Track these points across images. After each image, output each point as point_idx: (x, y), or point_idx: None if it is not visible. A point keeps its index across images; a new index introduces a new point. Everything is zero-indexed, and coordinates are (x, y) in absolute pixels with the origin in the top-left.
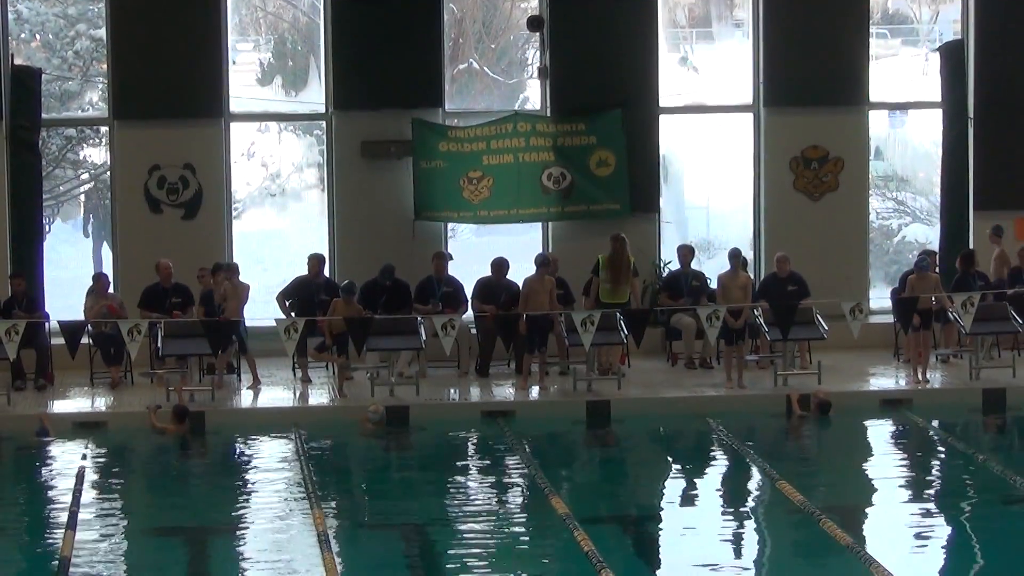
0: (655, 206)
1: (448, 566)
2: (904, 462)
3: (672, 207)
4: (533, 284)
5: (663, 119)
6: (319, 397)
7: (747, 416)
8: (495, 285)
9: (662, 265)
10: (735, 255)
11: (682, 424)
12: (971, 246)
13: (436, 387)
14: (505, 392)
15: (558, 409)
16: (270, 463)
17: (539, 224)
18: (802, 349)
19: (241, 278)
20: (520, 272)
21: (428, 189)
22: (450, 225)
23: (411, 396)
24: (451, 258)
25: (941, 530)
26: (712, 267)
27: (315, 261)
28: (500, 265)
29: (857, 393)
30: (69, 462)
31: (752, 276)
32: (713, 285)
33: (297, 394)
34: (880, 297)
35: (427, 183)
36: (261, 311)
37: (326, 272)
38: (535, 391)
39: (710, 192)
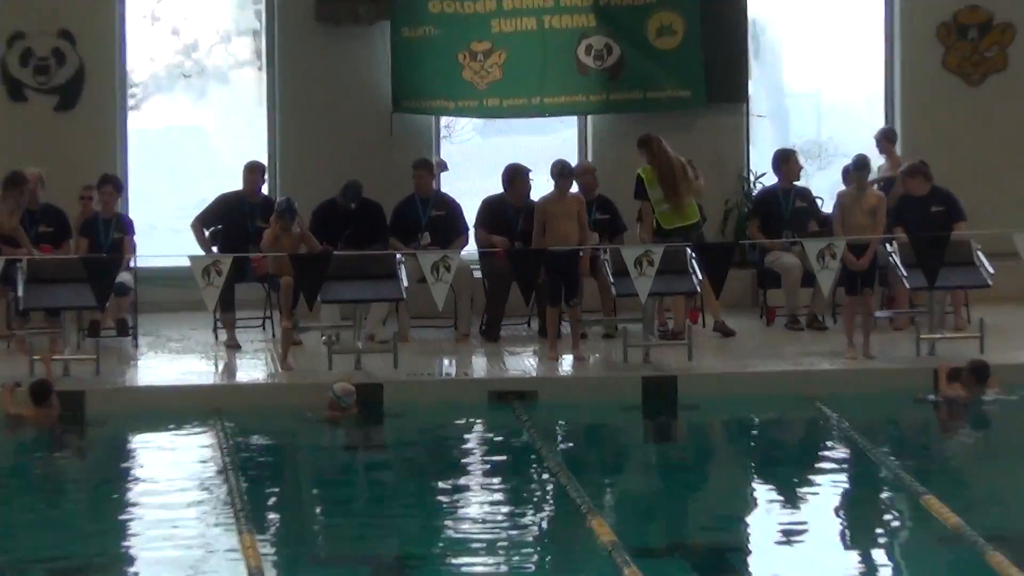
0: (741, 94)
1: None
2: None
3: (767, 95)
4: (549, 206)
5: None
6: (252, 370)
7: (876, 399)
8: (508, 207)
9: (752, 179)
10: (861, 165)
11: (782, 411)
12: None
13: (423, 356)
14: (523, 364)
15: (600, 389)
16: (180, 467)
17: (574, 119)
18: (956, 301)
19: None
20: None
21: (412, 68)
22: (444, 121)
23: (386, 369)
24: (445, 168)
25: None
26: (824, 182)
27: (251, 173)
28: (515, 176)
29: None
30: None
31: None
32: (827, 209)
33: (220, 366)
34: None
35: (411, 59)
36: (168, 243)
37: (264, 189)
38: (567, 362)
39: (821, 75)
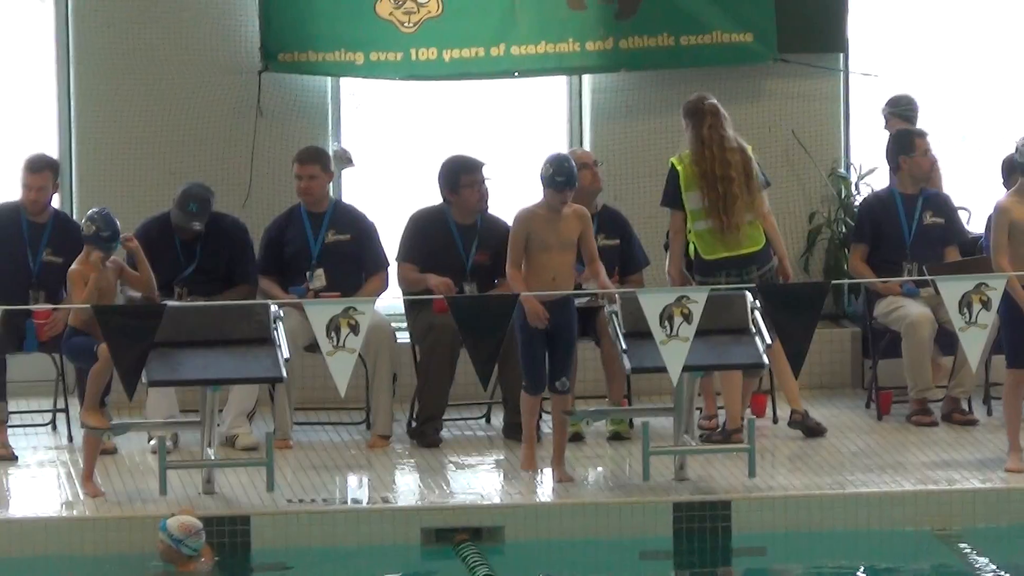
0: (837, 41)
1: None
2: None
3: (875, 49)
4: (537, 226)
5: None
6: (36, 496)
7: None
8: (451, 227)
9: (856, 179)
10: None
11: (901, 557)
12: None
13: (314, 472)
14: (479, 484)
15: (605, 523)
16: None
17: (562, 81)
18: None
19: None
20: (518, 198)
21: (293, 4)
22: (346, 86)
23: (255, 493)
24: (350, 163)
25: None
26: (973, 185)
27: (32, 174)
28: (461, 175)
29: None
30: None
31: None
32: (975, 227)
33: None
34: None
35: None
36: None
37: (55, 200)
38: (545, 482)
39: (960, 14)
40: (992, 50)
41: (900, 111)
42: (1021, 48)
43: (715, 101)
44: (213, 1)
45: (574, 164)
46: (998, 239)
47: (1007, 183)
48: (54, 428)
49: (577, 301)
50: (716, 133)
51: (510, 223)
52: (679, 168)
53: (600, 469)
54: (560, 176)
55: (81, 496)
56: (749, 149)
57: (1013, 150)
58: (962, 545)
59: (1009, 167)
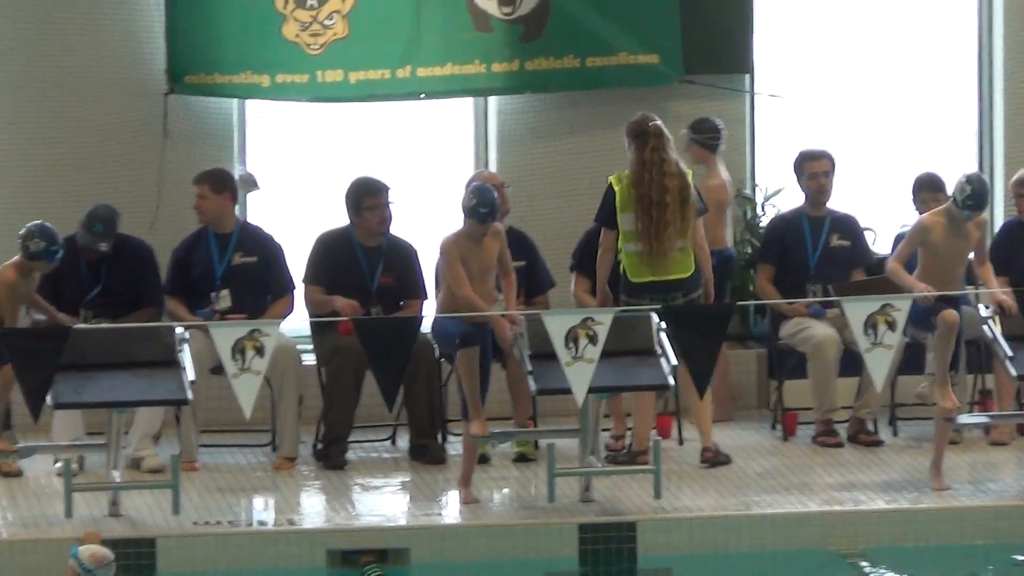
0: (742, 62)
1: None
2: None
3: (782, 68)
4: (460, 251)
5: None
6: None
7: (955, 558)
8: (356, 249)
9: (761, 200)
10: (933, 184)
11: None
12: None
13: (220, 494)
14: (386, 506)
15: (511, 544)
16: None
17: (468, 103)
18: None
19: None
20: (430, 225)
21: (200, 23)
22: (251, 109)
23: (161, 515)
24: (254, 186)
25: None
26: (878, 204)
27: None
28: (366, 196)
29: None
30: None
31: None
32: (882, 248)
33: None
34: None
35: (198, 8)
36: None
37: None
38: (450, 503)
39: (869, 31)
40: (896, 75)
41: (703, 139)
42: (926, 68)
43: (659, 122)
44: (119, 23)
45: (492, 195)
46: (903, 250)
47: (916, 200)
48: None
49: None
50: (658, 156)
51: (416, 245)
52: (616, 188)
53: (506, 491)
54: (484, 208)
55: None
56: (690, 174)
57: (922, 171)
58: (867, 565)
59: (921, 186)
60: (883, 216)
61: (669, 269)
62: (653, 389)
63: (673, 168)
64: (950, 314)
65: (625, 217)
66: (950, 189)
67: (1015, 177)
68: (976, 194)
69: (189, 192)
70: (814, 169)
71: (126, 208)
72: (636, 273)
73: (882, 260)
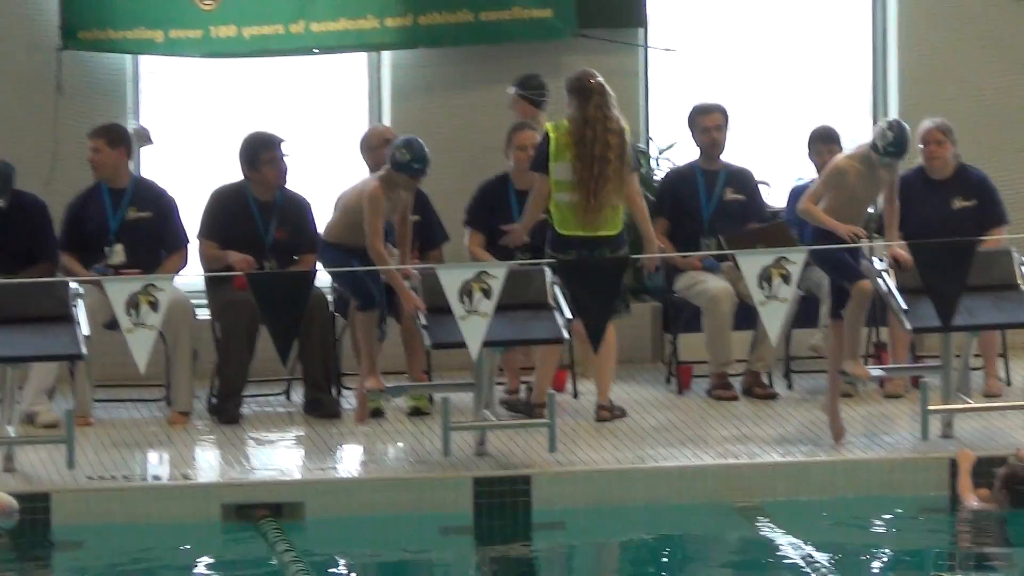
0: (636, 16)
1: None
2: None
3: (676, 22)
4: (356, 200)
5: None
6: None
7: (855, 512)
8: (251, 203)
9: (656, 155)
10: (828, 137)
11: (702, 533)
12: None
13: (114, 449)
14: (280, 460)
15: (405, 498)
16: None
17: (361, 57)
18: (987, 351)
19: None
20: (324, 180)
21: None
22: (143, 65)
23: (55, 470)
24: (148, 140)
25: None
26: (770, 159)
27: None
28: (261, 151)
29: None
30: None
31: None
32: (777, 201)
33: None
34: None
35: None
36: None
37: None
38: (345, 458)
39: None
40: (790, 29)
41: (530, 95)
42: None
43: (601, 79)
44: None
45: (427, 149)
46: (816, 190)
47: (811, 153)
48: None
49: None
50: (601, 112)
51: (310, 200)
52: (552, 135)
53: (400, 444)
54: (418, 163)
55: None
56: (627, 130)
57: (817, 124)
58: (762, 518)
59: (816, 138)
60: (778, 169)
61: (599, 225)
62: (547, 343)
63: (615, 125)
64: (867, 284)
65: (560, 166)
66: (846, 140)
67: (923, 128)
68: (897, 141)
69: (84, 148)
70: (706, 123)
71: (22, 164)
72: (564, 226)
73: (776, 213)
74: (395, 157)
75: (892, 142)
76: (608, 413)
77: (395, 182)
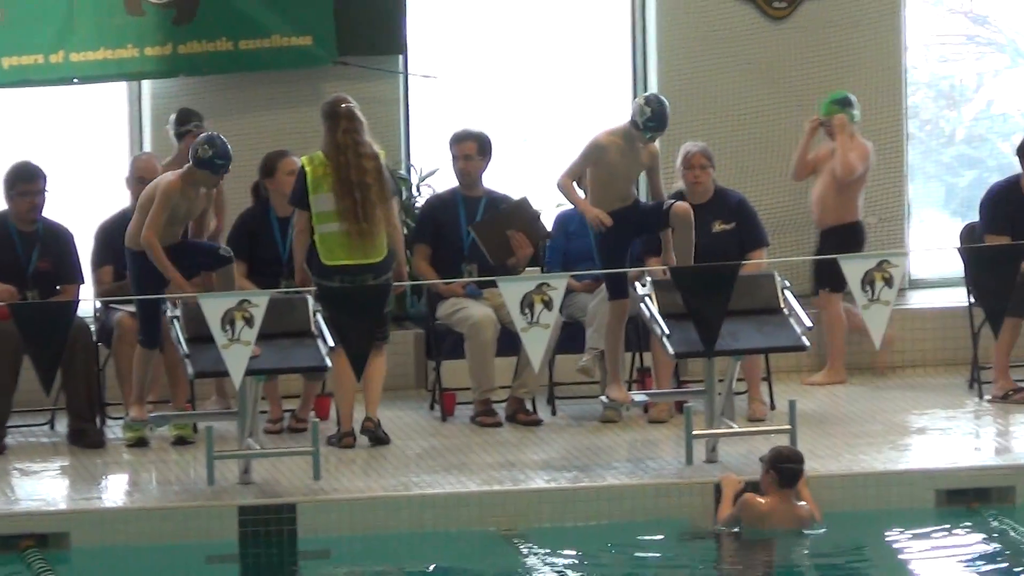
0: (396, 43)
1: None
2: None
3: (436, 49)
4: (175, 196)
5: None
6: None
7: (616, 535)
8: (14, 233)
9: (416, 181)
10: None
11: (467, 558)
12: None
13: None
14: (45, 489)
15: (169, 527)
16: None
17: (121, 87)
18: (751, 375)
19: None
20: (85, 210)
21: None
22: None
23: None
24: None
25: None
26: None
27: None
28: (12, 180)
29: (884, 475)
30: None
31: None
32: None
33: None
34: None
35: None
36: None
37: None
38: (110, 487)
39: (520, 9)
40: (552, 52)
41: (183, 131)
42: (578, 51)
43: (352, 105)
44: None
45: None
46: (576, 167)
47: None
48: None
49: None
50: (351, 138)
51: (72, 230)
52: (308, 168)
53: (165, 473)
54: (220, 159)
55: None
56: (382, 155)
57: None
58: (528, 545)
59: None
60: (544, 194)
61: (367, 252)
62: (311, 371)
63: (367, 150)
64: (624, 304)
65: (320, 198)
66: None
67: (686, 151)
68: (657, 115)
69: None
70: (458, 152)
71: None
72: (329, 256)
73: (546, 236)
74: (197, 153)
75: (651, 116)
76: (372, 425)
77: (196, 179)
